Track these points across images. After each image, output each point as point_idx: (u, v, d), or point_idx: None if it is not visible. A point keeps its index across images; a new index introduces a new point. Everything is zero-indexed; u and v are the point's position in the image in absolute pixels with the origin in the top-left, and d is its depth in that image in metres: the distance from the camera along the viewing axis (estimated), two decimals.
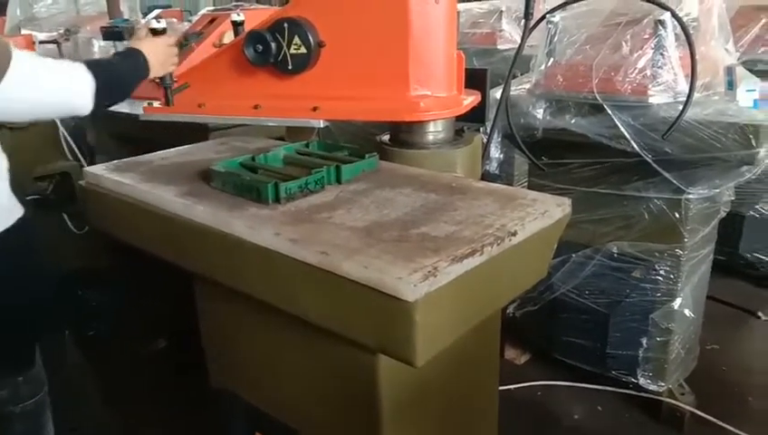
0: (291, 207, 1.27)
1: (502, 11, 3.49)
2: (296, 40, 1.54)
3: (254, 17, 1.82)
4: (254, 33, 1.57)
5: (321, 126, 1.65)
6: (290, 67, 1.57)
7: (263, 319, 1.36)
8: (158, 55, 1.59)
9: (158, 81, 1.71)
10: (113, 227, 1.56)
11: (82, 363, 2.52)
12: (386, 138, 1.78)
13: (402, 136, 1.72)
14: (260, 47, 1.57)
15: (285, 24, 1.53)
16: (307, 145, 1.64)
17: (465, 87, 1.73)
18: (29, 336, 1.52)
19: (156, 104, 1.81)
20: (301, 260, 1.09)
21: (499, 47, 3.46)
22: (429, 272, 0.98)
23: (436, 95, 1.57)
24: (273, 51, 1.56)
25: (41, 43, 3.06)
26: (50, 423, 1.57)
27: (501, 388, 1.71)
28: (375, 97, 1.56)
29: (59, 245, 2.48)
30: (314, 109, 1.60)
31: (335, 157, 1.53)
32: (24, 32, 3.37)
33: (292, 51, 1.56)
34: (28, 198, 2.50)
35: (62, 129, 2.58)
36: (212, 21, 2.66)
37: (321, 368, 1.31)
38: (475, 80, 1.77)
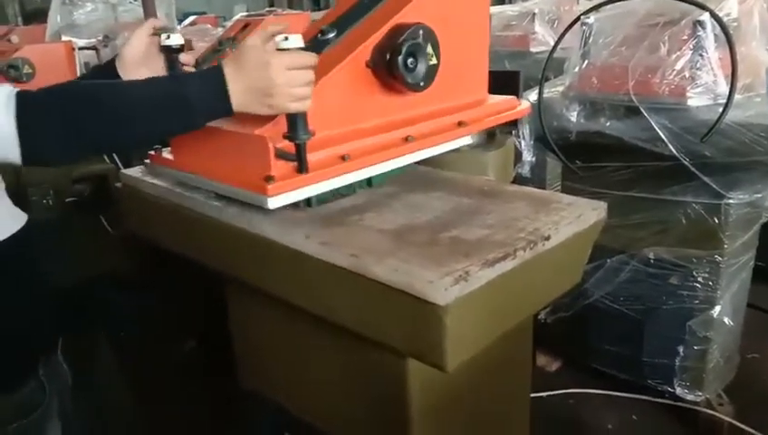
0: (321, 210, 1.27)
1: (534, 13, 3.45)
2: (429, 50, 1.24)
3: (293, 23, 1.74)
4: (411, 45, 1.19)
5: (472, 142, 1.48)
6: (422, 83, 1.24)
7: (293, 321, 1.36)
8: (261, 78, 1.00)
9: (286, 136, 1.05)
10: (148, 229, 1.59)
11: (112, 363, 2.56)
12: None
13: None
14: (413, 63, 1.21)
15: (421, 32, 1.21)
16: None
17: (499, 90, 1.70)
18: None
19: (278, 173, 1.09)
20: (331, 263, 1.09)
21: (532, 50, 3.43)
22: (460, 276, 0.97)
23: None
24: (431, 64, 1.24)
25: (80, 49, 3.13)
26: None
27: (532, 395, 1.68)
28: (475, 103, 1.43)
29: (95, 246, 2.53)
30: (460, 124, 1.35)
31: None
32: (64, 38, 3.46)
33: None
34: (67, 200, 2.57)
35: None
36: (245, 26, 2.69)
37: (350, 371, 1.31)
38: (507, 82, 1.75)
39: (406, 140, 1.26)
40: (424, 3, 1.25)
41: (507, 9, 3.67)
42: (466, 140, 1.44)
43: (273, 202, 1.09)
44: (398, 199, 1.33)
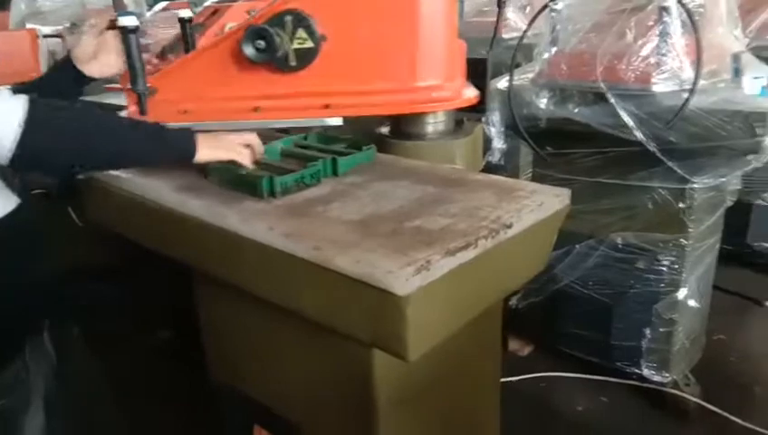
0: (286, 201, 1.26)
1: None
2: (300, 34, 1.44)
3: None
4: (254, 29, 1.43)
5: (341, 123, 1.55)
6: (292, 64, 1.46)
7: (260, 313, 1.35)
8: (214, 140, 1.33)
9: (128, 86, 1.50)
10: (111, 221, 1.57)
11: (87, 356, 2.54)
12: (385, 130, 1.77)
13: (402, 127, 1.71)
14: (261, 43, 1.43)
15: (288, 18, 1.42)
16: (305, 138, 1.64)
17: (467, 77, 1.71)
18: None
19: (124, 113, 1.57)
20: (294, 255, 1.08)
21: (504, 36, 3.42)
22: (422, 266, 0.97)
23: (444, 84, 1.54)
24: (278, 46, 1.43)
25: (45, 36, 3.06)
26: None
27: (504, 380, 1.70)
28: (385, 90, 1.50)
29: (64, 238, 2.50)
30: (326, 106, 1.51)
31: (333, 149, 1.52)
32: (28, 26, 3.38)
33: (296, 45, 1.44)
34: (33, 192, 2.52)
35: None
36: (214, 12, 2.65)
37: (318, 362, 1.31)
38: (474, 69, 1.75)
39: (255, 110, 1.51)
40: None
41: None
42: (337, 121, 1.54)
43: None
44: (364, 189, 1.32)
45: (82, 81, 1.50)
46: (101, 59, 1.48)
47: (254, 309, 1.35)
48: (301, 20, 1.42)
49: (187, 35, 1.75)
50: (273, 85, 1.50)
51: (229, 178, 1.34)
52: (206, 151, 1.30)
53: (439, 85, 1.52)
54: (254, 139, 1.40)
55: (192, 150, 1.28)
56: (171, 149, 1.29)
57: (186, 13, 1.68)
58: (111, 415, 2.25)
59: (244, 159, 1.36)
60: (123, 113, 1.56)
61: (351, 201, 1.26)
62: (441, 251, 1.02)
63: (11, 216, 1.23)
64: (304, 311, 1.14)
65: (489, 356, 1.59)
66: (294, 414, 1.42)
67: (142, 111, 1.51)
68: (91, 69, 1.48)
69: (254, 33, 1.42)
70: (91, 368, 2.44)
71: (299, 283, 1.10)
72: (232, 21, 2.18)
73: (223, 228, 1.20)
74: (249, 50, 1.44)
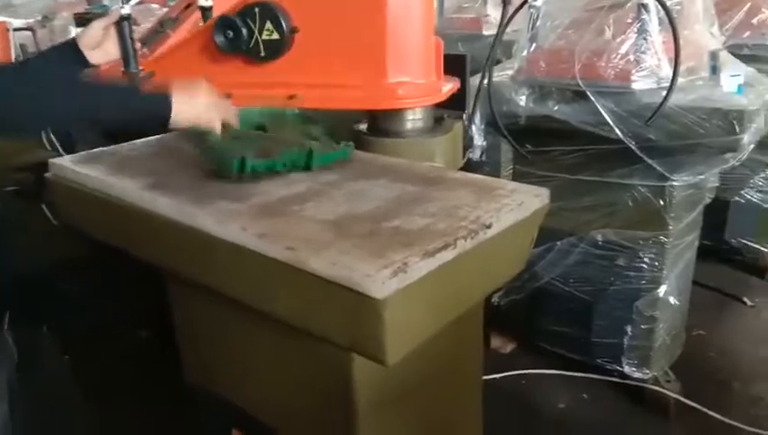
0: (260, 201, 1.23)
1: None
2: (268, 25, 1.49)
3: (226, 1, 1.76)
4: (223, 19, 1.50)
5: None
6: (262, 54, 1.52)
7: (236, 314, 1.32)
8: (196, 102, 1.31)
9: (122, 70, 1.59)
10: (81, 221, 1.52)
11: (60, 357, 2.48)
12: (363, 126, 1.74)
13: (380, 124, 1.68)
14: (230, 33, 1.51)
15: (256, 9, 1.48)
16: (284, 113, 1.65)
17: (445, 73, 1.69)
18: None
19: None
20: (268, 256, 1.05)
21: (484, 32, 3.42)
22: (399, 268, 0.95)
23: (414, 82, 1.53)
24: (245, 37, 1.49)
25: (15, 30, 2.98)
26: None
27: (486, 377, 1.69)
28: (353, 84, 1.51)
29: (38, 236, 2.44)
30: (291, 97, 1.55)
31: (310, 133, 1.51)
32: None
33: (265, 37, 1.50)
34: (8, 189, 2.46)
35: None
36: (188, 6, 2.61)
37: (296, 365, 1.28)
38: (454, 66, 1.73)
39: (227, 96, 1.51)
40: None
41: None
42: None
43: None
44: (340, 188, 1.29)
45: (82, 65, 1.56)
46: (104, 47, 1.56)
47: (229, 311, 1.32)
48: (268, 12, 1.47)
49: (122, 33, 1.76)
50: (246, 74, 1.57)
51: (204, 149, 1.34)
52: (182, 118, 1.27)
53: (409, 82, 1.50)
54: (228, 112, 1.41)
55: (167, 114, 1.24)
56: (143, 110, 1.26)
57: (206, 2, 1.82)
58: (83, 416, 2.21)
59: (217, 126, 1.37)
60: None
61: (327, 200, 1.23)
62: (419, 252, 1.00)
63: None
64: (279, 313, 1.11)
65: (471, 355, 1.58)
66: (272, 418, 1.39)
67: None
68: (94, 56, 1.55)
69: (224, 23, 1.51)
70: (60, 367, 2.39)
71: (273, 284, 1.07)
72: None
73: (194, 228, 1.16)
74: (220, 39, 1.52)
